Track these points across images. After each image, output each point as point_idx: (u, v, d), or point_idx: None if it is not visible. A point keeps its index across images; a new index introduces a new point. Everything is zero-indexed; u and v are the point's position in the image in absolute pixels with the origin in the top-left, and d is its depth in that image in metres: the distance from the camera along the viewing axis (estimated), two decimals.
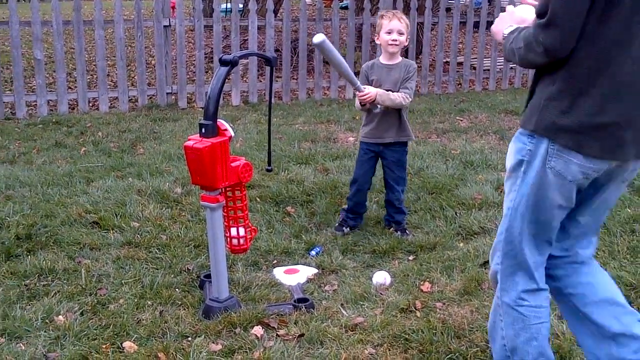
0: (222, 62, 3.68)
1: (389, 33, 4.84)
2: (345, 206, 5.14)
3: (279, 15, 11.09)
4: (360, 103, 4.83)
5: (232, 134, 3.69)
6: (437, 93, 10.78)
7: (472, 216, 5.17)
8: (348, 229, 5.02)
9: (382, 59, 4.98)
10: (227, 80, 3.81)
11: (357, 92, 4.74)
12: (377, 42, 4.99)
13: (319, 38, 4.28)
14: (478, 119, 8.73)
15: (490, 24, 11.12)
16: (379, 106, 4.76)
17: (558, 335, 3.50)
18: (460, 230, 5.00)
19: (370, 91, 4.71)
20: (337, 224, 5.06)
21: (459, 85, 11.18)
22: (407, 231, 4.98)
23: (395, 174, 5.01)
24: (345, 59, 10.21)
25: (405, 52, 10.81)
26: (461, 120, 8.65)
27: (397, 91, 4.80)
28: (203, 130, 3.61)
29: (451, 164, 6.52)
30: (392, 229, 5.02)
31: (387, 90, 4.79)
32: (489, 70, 11.29)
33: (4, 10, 10.97)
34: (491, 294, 3.98)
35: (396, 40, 4.83)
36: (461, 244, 4.76)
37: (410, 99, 4.83)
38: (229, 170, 3.67)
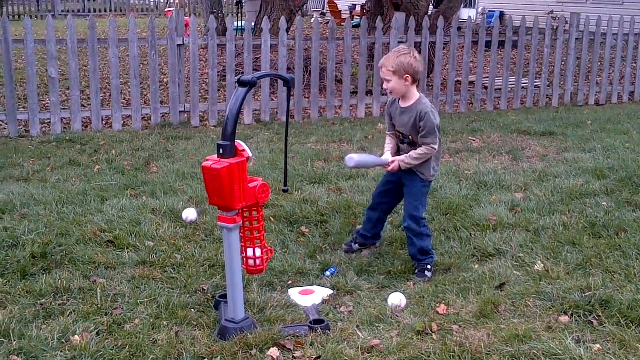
0: (241, 83, 3.69)
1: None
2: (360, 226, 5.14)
3: (291, 34, 11.12)
4: None
5: (250, 155, 3.70)
6: (449, 112, 10.78)
7: (487, 237, 5.16)
8: (357, 245, 5.04)
9: (400, 101, 4.73)
10: None
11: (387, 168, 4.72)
12: None
13: (350, 162, 4.43)
14: (491, 139, 8.72)
15: (502, 43, 11.19)
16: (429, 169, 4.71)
17: None
18: (475, 251, 4.99)
19: (394, 165, 4.63)
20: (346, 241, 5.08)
21: (471, 105, 11.18)
22: (426, 272, 4.66)
23: (407, 202, 4.81)
24: (357, 78, 10.29)
25: None
26: (474, 140, 8.65)
27: (416, 140, 4.63)
28: (221, 150, 3.62)
29: (465, 184, 6.51)
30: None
31: (402, 134, 4.70)
32: (500, 89, 11.29)
33: (18, 27, 11.02)
34: (508, 317, 3.98)
35: (388, 89, 4.66)
36: (476, 266, 4.75)
37: (434, 147, 4.58)
38: (247, 190, 3.68)
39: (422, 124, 4.56)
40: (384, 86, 4.67)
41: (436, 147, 4.61)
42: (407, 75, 4.54)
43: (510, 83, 11.37)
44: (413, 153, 4.62)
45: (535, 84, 11.56)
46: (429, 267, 4.70)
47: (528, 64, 11.45)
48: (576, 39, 11.55)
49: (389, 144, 4.82)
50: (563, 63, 11.68)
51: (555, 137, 8.85)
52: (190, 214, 5.55)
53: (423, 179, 4.74)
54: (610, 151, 7.87)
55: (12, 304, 4.10)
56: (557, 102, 11.58)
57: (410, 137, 4.67)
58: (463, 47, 11.08)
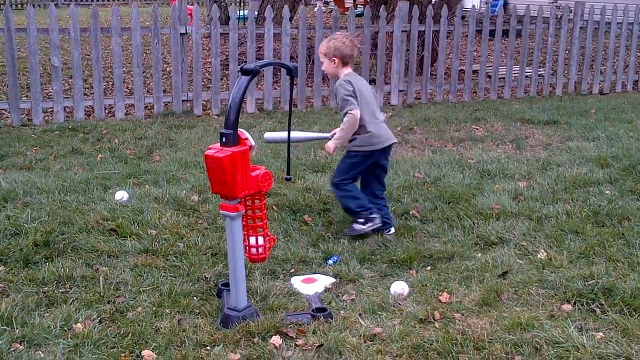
0: (244, 72, 3.68)
1: None
2: None
3: (294, 22, 11.09)
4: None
5: (253, 143, 3.69)
6: (453, 101, 10.75)
7: (490, 226, 5.15)
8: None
9: None
10: None
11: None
12: None
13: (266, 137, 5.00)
14: (494, 128, 8.70)
15: (505, 32, 11.15)
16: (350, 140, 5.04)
17: (579, 348, 3.48)
18: (478, 240, 4.98)
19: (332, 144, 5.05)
20: None
21: (474, 94, 11.15)
22: (354, 225, 5.03)
23: None
24: (360, 67, 10.27)
25: (420, 60, 10.84)
26: (477, 129, 8.63)
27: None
28: (224, 139, 3.61)
29: (468, 173, 6.50)
30: None
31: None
32: (504, 78, 11.26)
33: (20, 16, 10.99)
34: (510, 305, 3.98)
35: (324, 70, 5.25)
36: (479, 254, 4.74)
37: (352, 112, 4.87)
38: (249, 179, 3.67)
39: (336, 96, 5.04)
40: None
41: (354, 112, 4.88)
42: (334, 58, 5.06)
43: (514, 72, 11.33)
44: (340, 127, 4.99)
45: (539, 72, 11.52)
46: (360, 220, 4.98)
47: (532, 52, 11.40)
48: (580, 27, 11.49)
49: None
50: (567, 52, 11.62)
51: (559, 125, 8.82)
52: (122, 195, 5.72)
53: (347, 150, 5.11)
54: (614, 140, 7.85)
55: (15, 292, 4.11)
56: (561, 91, 11.54)
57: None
58: (467, 35, 11.03)
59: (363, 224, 4.98)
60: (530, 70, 11.44)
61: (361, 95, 4.94)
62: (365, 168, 5.12)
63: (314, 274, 4.48)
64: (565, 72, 11.66)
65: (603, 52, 11.86)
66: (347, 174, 5.10)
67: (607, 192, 5.91)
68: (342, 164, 5.14)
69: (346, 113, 4.88)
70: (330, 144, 5.00)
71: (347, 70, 5.08)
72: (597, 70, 11.81)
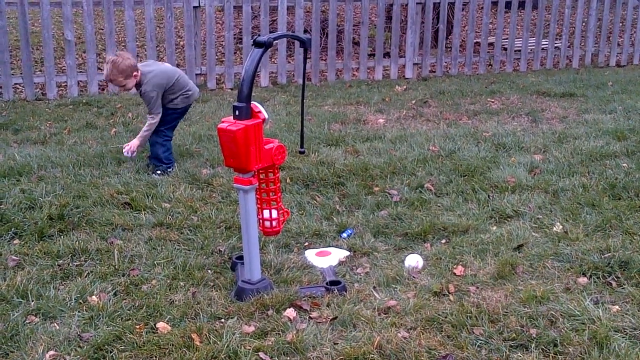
0: (257, 44, 3.64)
1: None
2: None
3: None
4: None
5: (266, 116, 3.66)
6: (468, 74, 10.67)
7: (505, 199, 5.11)
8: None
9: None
10: None
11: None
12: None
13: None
14: (510, 101, 8.63)
15: (522, 4, 11.02)
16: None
17: (594, 321, 3.45)
18: (493, 213, 4.94)
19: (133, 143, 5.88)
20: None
21: (490, 66, 11.06)
22: (157, 171, 5.72)
23: None
24: (375, 40, 10.18)
25: (435, 32, 10.75)
26: (492, 102, 8.56)
27: None
28: (237, 112, 3.58)
29: (483, 146, 6.45)
30: None
31: None
32: (520, 51, 11.16)
33: None
34: (525, 278, 3.95)
35: (128, 90, 6.07)
36: (494, 228, 4.71)
37: (152, 121, 5.81)
38: (263, 152, 3.65)
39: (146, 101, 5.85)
40: (124, 90, 6.13)
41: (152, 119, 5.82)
42: (135, 73, 5.65)
43: (530, 44, 11.22)
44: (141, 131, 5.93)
45: (556, 45, 11.41)
46: (158, 172, 5.69)
47: (548, 24, 11.28)
48: None
49: None
50: (584, 24, 11.50)
51: (575, 98, 8.74)
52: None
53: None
54: (631, 112, 7.77)
55: (30, 265, 4.12)
56: (578, 63, 11.43)
57: None
58: (482, 7, 10.93)
59: (158, 174, 5.66)
60: (547, 43, 11.32)
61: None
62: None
63: (328, 247, 4.47)
64: (582, 44, 11.54)
65: (620, 24, 11.70)
66: (165, 125, 5.91)
67: (623, 164, 5.85)
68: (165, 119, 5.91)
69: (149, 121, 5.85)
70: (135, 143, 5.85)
71: (139, 72, 5.69)
72: (614, 43, 11.67)
